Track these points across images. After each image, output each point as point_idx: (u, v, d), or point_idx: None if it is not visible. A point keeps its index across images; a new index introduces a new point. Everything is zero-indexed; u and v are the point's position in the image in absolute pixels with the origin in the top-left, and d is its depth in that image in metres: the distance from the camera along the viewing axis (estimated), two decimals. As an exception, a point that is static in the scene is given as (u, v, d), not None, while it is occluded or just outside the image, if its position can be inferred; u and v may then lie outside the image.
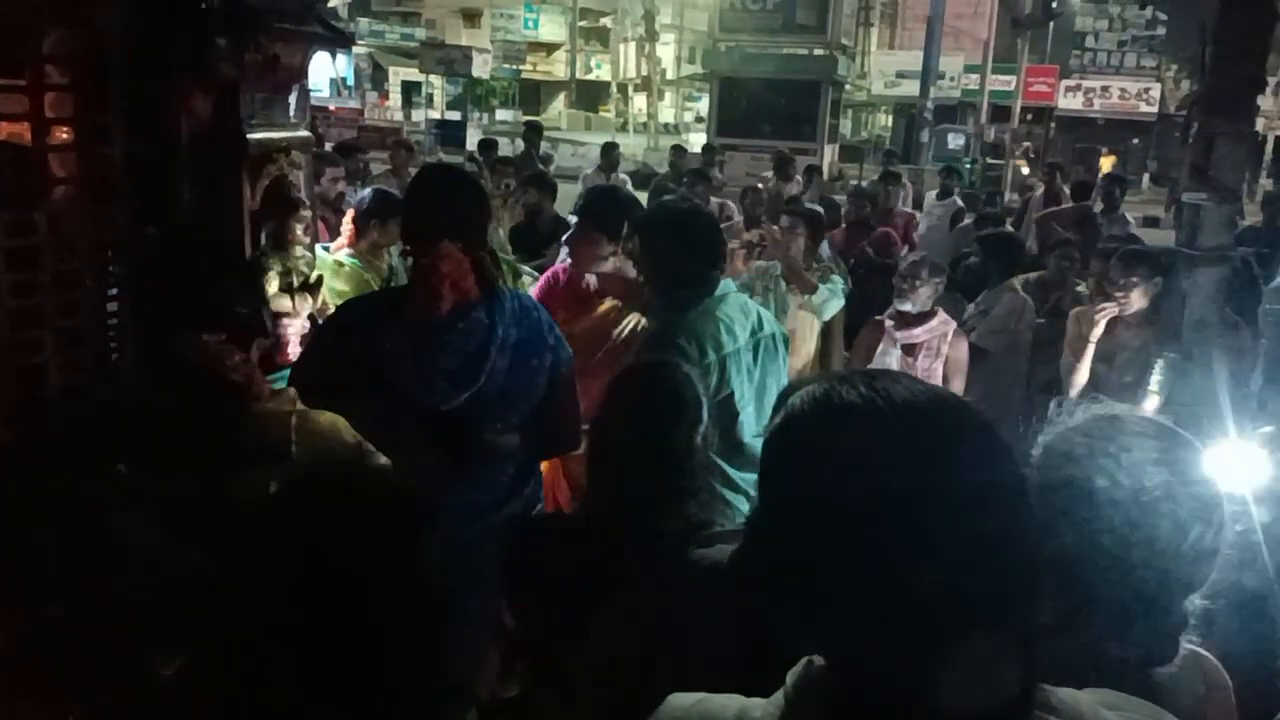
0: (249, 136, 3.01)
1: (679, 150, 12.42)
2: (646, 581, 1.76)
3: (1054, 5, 25.94)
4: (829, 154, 20.54)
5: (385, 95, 40.03)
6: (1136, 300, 4.12)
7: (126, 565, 1.80)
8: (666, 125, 40.16)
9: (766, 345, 2.87)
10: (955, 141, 25.85)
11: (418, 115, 35.11)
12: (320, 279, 3.60)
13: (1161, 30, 32.09)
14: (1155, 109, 31.72)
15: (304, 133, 3.40)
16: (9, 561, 1.91)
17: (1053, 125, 31.37)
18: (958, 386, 4.31)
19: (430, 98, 39.05)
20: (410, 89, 40.29)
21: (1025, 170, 19.52)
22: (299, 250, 3.48)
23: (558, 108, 44.34)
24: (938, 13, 21.53)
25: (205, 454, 1.83)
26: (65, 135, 2.71)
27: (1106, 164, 26.07)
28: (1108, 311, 4.12)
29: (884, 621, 0.87)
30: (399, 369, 2.47)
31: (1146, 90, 32.14)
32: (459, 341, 2.51)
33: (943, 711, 0.87)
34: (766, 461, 0.98)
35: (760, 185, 10.53)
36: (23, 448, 2.15)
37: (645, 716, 1.16)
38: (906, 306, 4.35)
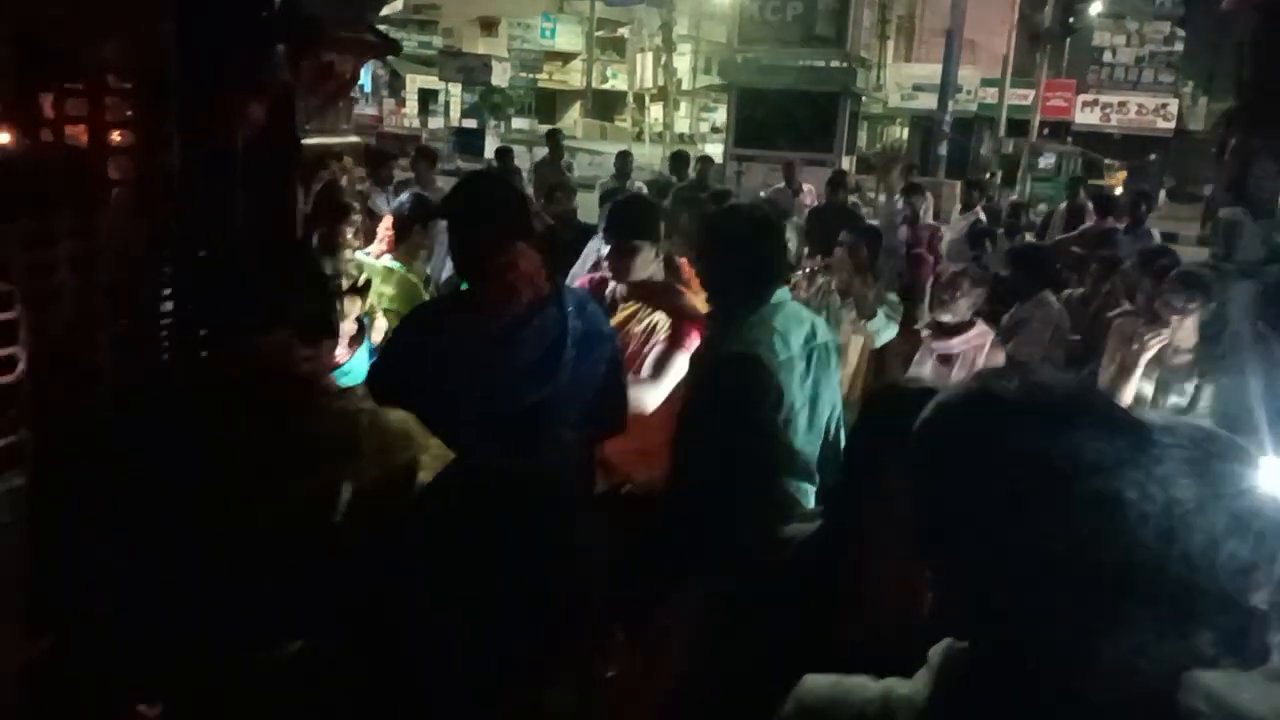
0: (303, 142, 3.05)
1: (703, 160, 12.34)
2: (730, 558, 1.80)
3: (1072, 20, 25.95)
4: (846, 166, 20.54)
5: (402, 103, 40.20)
6: (1190, 328, 4.03)
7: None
8: (682, 135, 40.18)
9: (820, 354, 2.87)
10: (1046, 160, 25.86)
11: (434, 123, 35.26)
12: (369, 282, 3.63)
13: (1179, 46, 32.02)
14: (1172, 125, 31.65)
15: (354, 139, 3.44)
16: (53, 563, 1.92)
17: (1069, 140, 31.32)
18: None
19: (447, 106, 39.17)
20: (427, 97, 40.44)
21: (1119, 190, 18.83)
22: (348, 254, 3.52)
23: (573, 117, 44.40)
24: (956, 26, 21.50)
25: (262, 450, 1.83)
26: (123, 141, 2.74)
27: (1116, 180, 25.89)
28: (1163, 337, 4.02)
29: (1045, 607, 0.89)
30: (478, 368, 2.51)
31: (1164, 106, 32.08)
32: (535, 338, 2.57)
33: (1099, 695, 0.90)
34: (917, 453, 1.01)
35: (763, 194, 10.52)
36: (69, 451, 2.16)
37: (722, 691, 1.17)
38: (946, 317, 4.36)
